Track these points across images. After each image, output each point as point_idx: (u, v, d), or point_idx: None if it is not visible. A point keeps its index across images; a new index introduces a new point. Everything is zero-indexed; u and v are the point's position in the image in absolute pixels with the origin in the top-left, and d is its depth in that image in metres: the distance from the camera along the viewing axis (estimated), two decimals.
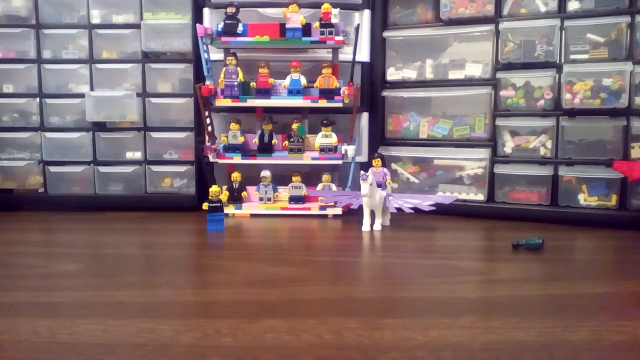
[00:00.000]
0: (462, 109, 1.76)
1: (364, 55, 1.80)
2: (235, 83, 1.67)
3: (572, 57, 1.55)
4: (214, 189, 1.50)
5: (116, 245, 1.34)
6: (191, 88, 1.77)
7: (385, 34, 1.81)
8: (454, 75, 1.73)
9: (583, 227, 1.51)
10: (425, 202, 1.50)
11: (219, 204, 1.48)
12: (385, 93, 1.82)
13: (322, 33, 1.64)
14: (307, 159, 1.71)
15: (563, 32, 1.55)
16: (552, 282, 1.01)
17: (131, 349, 0.70)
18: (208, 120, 1.71)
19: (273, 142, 1.71)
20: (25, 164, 1.83)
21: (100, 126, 1.83)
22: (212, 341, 0.73)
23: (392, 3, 1.81)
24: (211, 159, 1.72)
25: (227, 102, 1.69)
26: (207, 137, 1.71)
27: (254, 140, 1.73)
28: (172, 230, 1.54)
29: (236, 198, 1.73)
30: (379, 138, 1.85)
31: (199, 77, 1.75)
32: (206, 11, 1.77)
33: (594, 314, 0.83)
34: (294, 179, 1.72)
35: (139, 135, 1.83)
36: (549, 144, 1.60)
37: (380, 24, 1.81)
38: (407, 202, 1.51)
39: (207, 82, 1.67)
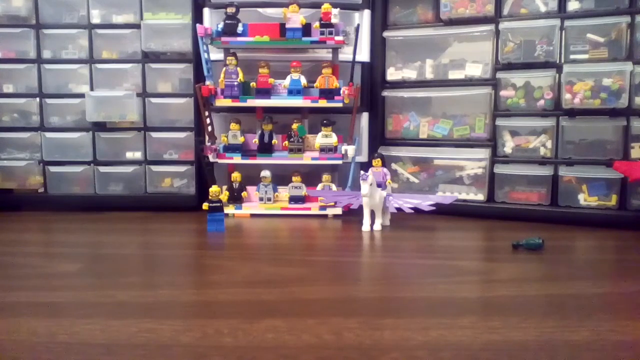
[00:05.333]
0: (462, 109, 1.76)
1: (364, 55, 1.80)
2: (235, 83, 1.67)
3: (572, 57, 1.55)
4: (214, 189, 1.50)
5: (116, 245, 1.34)
6: (191, 88, 1.77)
7: (385, 34, 1.81)
8: (454, 75, 1.73)
9: (583, 227, 1.51)
10: (425, 202, 1.50)
11: (219, 204, 1.48)
12: (385, 93, 1.82)
13: (322, 33, 1.64)
14: (307, 159, 1.71)
15: (563, 32, 1.55)
16: (552, 282, 1.01)
17: (131, 349, 0.70)
18: (208, 120, 1.71)
19: (273, 142, 1.71)
20: (25, 164, 1.83)
21: (100, 126, 1.83)
22: (212, 341, 0.73)
23: (392, 3, 1.82)
24: (211, 159, 1.72)
25: (227, 102, 1.69)
26: (207, 137, 1.71)
27: (254, 140, 1.73)
28: (172, 230, 1.54)
29: (236, 198, 1.73)
30: (379, 138, 1.85)
31: (199, 77, 1.76)
32: (206, 11, 1.77)
33: (594, 314, 0.83)
34: (294, 179, 1.72)
35: (139, 135, 1.83)
36: (549, 144, 1.60)
37: (380, 24, 1.81)
38: (407, 202, 1.51)
39: (207, 82, 1.67)
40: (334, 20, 1.63)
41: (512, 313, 0.83)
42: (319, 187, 1.71)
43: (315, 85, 1.67)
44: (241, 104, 1.69)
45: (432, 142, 1.77)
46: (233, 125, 1.72)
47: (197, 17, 1.77)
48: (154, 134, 1.83)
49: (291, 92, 1.68)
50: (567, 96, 1.53)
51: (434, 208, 1.50)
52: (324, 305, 0.88)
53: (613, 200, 1.52)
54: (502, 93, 1.65)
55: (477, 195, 1.69)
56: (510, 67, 1.63)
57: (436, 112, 1.82)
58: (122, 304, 0.88)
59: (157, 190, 1.84)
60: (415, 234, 1.47)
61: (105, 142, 1.84)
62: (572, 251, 1.30)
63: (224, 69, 1.68)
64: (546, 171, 1.59)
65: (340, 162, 1.71)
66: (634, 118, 1.49)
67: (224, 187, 1.73)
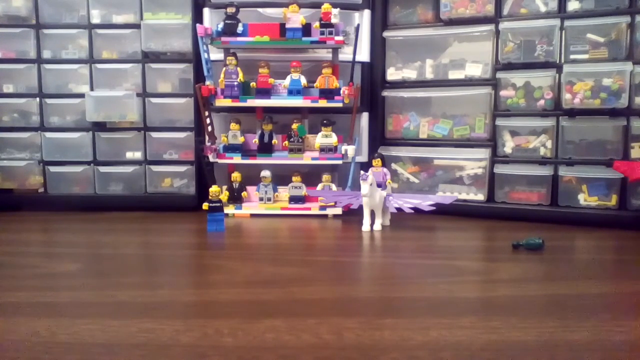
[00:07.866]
0: (462, 109, 1.76)
1: (364, 55, 1.80)
2: (235, 83, 1.67)
3: (572, 57, 1.55)
4: (214, 189, 1.50)
5: (116, 245, 1.34)
6: (191, 88, 1.77)
7: (385, 34, 1.81)
8: (454, 75, 1.73)
9: (583, 227, 1.51)
10: (425, 202, 1.50)
11: (219, 204, 1.48)
12: (385, 93, 1.82)
13: (322, 33, 1.64)
14: (307, 159, 1.71)
15: (563, 32, 1.55)
16: (552, 282, 1.01)
17: (131, 349, 0.70)
18: (208, 120, 1.71)
19: (273, 142, 1.71)
20: (25, 164, 1.83)
21: (100, 126, 1.83)
22: (212, 341, 0.73)
23: (392, 3, 1.82)
24: (211, 159, 1.72)
25: (227, 102, 1.69)
26: (207, 137, 1.71)
27: (254, 140, 1.73)
28: (172, 230, 1.54)
29: (236, 198, 1.73)
30: (379, 138, 1.85)
31: (199, 77, 1.75)
32: (206, 11, 1.77)
33: (594, 314, 0.83)
34: (294, 179, 1.72)
35: (139, 135, 1.83)
36: (549, 144, 1.60)
37: (380, 24, 1.81)
38: (407, 202, 1.51)
39: (207, 82, 1.67)
40: (334, 20, 1.63)
41: (512, 313, 0.83)
42: (319, 187, 1.71)
43: (315, 85, 1.67)
44: (241, 104, 1.69)
45: (432, 142, 1.77)
46: (233, 125, 1.72)
47: (197, 17, 1.77)
48: (154, 134, 1.83)
49: (291, 92, 1.68)
50: (567, 96, 1.53)
51: (434, 208, 1.50)
52: (324, 305, 0.88)
53: (613, 200, 1.52)
54: (502, 93, 1.65)
55: (477, 195, 1.69)
56: (510, 67, 1.63)
57: (436, 112, 1.82)
58: (122, 304, 0.88)
59: (157, 190, 1.84)
60: (415, 234, 1.47)
61: (105, 142, 1.84)
62: (572, 251, 1.30)
63: (224, 69, 1.68)
64: (546, 171, 1.59)
65: (340, 162, 1.71)
66: (634, 118, 1.49)
67: (224, 187, 1.73)
